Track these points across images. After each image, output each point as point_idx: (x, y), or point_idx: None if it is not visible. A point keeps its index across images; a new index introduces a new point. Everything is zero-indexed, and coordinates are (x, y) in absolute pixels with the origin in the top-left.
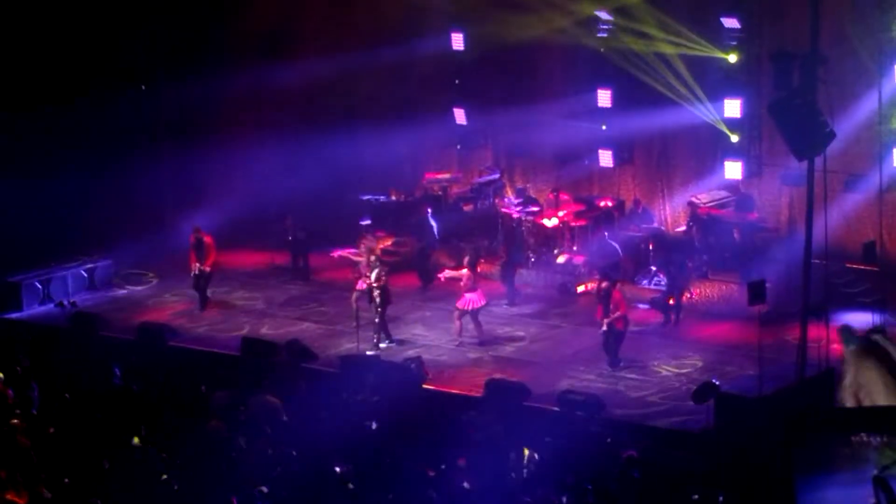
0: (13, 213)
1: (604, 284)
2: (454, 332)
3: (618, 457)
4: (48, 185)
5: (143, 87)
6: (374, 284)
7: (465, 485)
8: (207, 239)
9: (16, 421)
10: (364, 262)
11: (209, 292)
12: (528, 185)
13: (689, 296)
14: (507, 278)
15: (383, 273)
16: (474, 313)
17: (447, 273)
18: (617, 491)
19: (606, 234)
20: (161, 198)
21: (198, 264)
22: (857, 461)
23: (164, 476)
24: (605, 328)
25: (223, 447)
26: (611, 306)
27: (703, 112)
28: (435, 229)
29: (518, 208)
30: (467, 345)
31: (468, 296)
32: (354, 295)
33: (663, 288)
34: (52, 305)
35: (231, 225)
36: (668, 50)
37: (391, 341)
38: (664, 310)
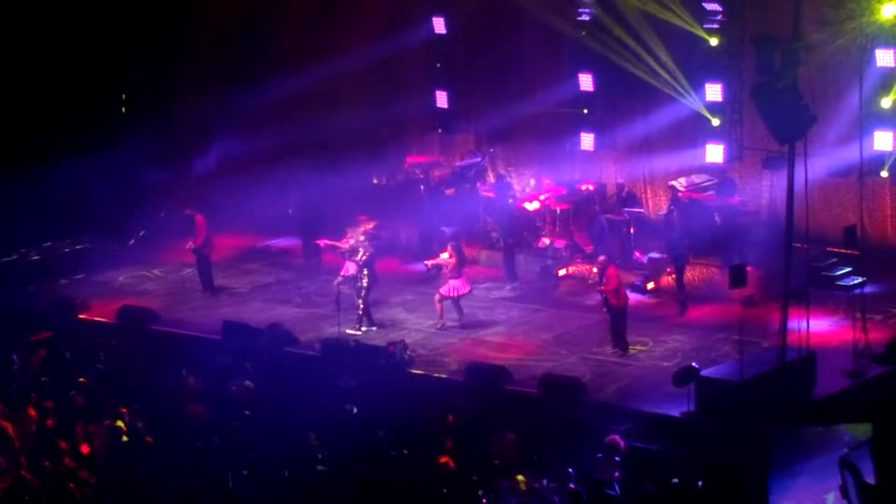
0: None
1: (600, 259)
2: (436, 316)
3: (599, 440)
4: (36, 170)
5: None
6: (361, 260)
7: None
8: (198, 218)
9: None
10: (348, 247)
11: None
12: (510, 169)
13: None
14: (507, 261)
15: (368, 252)
16: (456, 299)
17: (432, 260)
18: (598, 474)
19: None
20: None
21: (189, 244)
22: (830, 440)
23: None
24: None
25: (204, 430)
26: (603, 280)
27: (685, 98)
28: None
29: (497, 192)
30: (449, 329)
31: (452, 282)
32: (338, 279)
33: (644, 272)
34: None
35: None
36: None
37: (373, 325)
38: (680, 301)
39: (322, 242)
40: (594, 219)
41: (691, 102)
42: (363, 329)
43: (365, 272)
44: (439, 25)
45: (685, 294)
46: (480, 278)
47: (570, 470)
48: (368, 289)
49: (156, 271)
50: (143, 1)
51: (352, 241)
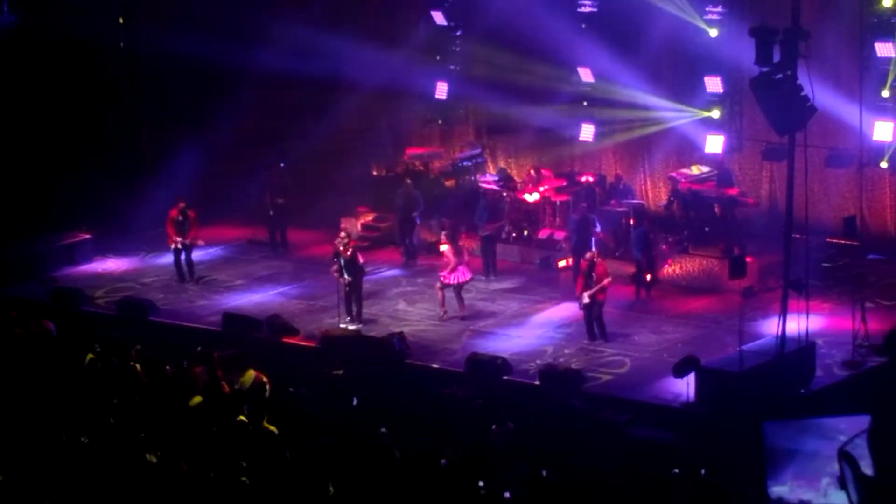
0: None
1: (588, 255)
2: (438, 304)
3: (598, 431)
4: (27, 159)
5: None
6: (346, 258)
7: (443, 461)
8: (192, 213)
9: None
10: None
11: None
12: (510, 161)
13: (655, 269)
14: (486, 252)
15: (350, 250)
16: (458, 288)
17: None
18: (597, 465)
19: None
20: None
21: (180, 238)
22: (826, 429)
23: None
24: (587, 301)
25: (205, 423)
26: (594, 277)
27: (682, 114)
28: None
29: (498, 185)
30: (449, 320)
31: (452, 270)
32: (335, 267)
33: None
34: (33, 281)
35: (209, 198)
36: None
37: (357, 322)
38: (637, 284)
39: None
40: (582, 217)
41: (689, 114)
42: (352, 327)
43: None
44: (439, 18)
45: (652, 284)
46: (478, 269)
47: (568, 461)
48: (358, 286)
49: (144, 255)
50: None
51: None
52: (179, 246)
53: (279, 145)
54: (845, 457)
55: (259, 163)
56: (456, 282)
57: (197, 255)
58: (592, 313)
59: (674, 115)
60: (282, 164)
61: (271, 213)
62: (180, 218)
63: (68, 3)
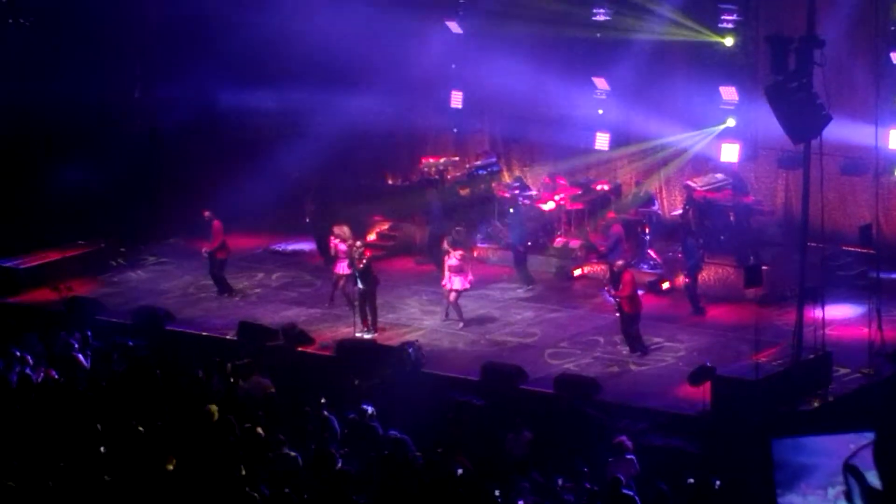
0: (7, 197)
1: (619, 263)
2: (456, 315)
3: (613, 439)
4: (44, 170)
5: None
6: (360, 268)
7: (458, 470)
8: (215, 223)
9: None
10: (345, 249)
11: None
12: (525, 169)
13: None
14: (519, 263)
15: (364, 260)
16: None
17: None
18: (613, 474)
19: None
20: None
21: (205, 249)
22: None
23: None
24: (614, 301)
25: (220, 431)
26: (620, 286)
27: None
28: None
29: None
30: (464, 328)
31: (463, 276)
32: (341, 281)
33: (659, 272)
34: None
35: (236, 208)
36: (665, 36)
37: (372, 331)
38: (692, 301)
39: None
40: (610, 225)
41: (704, 134)
42: (367, 336)
43: (359, 280)
44: (454, 27)
45: (697, 296)
46: (493, 278)
47: (585, 469)
48: (373, 295)
49: (151, 258)
50: None
51: (347, 247)
52: (205, 256)
53: (295, 151)
54: (851, 470)
55: (272, 169)
56: (466, 287)
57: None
58: (622, 326)
59: (690, 137)
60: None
61: (308, 220)
62: (207, 227)
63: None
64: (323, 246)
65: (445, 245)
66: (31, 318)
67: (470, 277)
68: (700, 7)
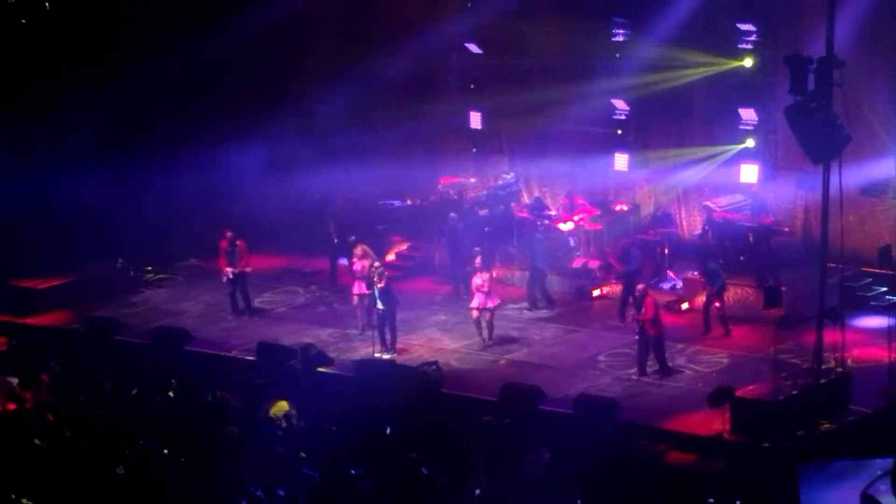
0: (27, 217)
1: (640, 287)
2: (489, 334)
3: (634, 460)
4: (61, 189)
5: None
6: (379, 288)
7: (477, 491)
8: (240, 242)
9: None
10: (363, 267)
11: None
12: (544, 190)
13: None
14: (536, 283)
15: (384, 279)
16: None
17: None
18: (633, 494)
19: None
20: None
21: (230, 269)
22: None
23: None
24: (637, 327)
25: (239, 451)
26: (643, 309)
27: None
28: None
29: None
30: (483, 349)
31: (487, 295)
32: (356, 301)
33: (679, 292)
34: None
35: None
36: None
37: (391, 351)
38: (705, 319)
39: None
40: (629, 246)
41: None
42: (386, 356)
43: (378, 300)
44: (473, 48)
45: (726, 317)
46: (512, 298)
47: (604, 490)
48: (392, 315)
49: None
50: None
51: (365, 268)
52: (231, 276)
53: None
54: (868, 500)
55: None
56: (495, 305)
57: None
58: (643, 349)
59: (709, 152)
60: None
61: (335, 241)
62: (229, 248)
63: None
64: (333, 265)
65: (476, 264)
66: (51, 339)
67: (495, 297)
68: (718, 28)
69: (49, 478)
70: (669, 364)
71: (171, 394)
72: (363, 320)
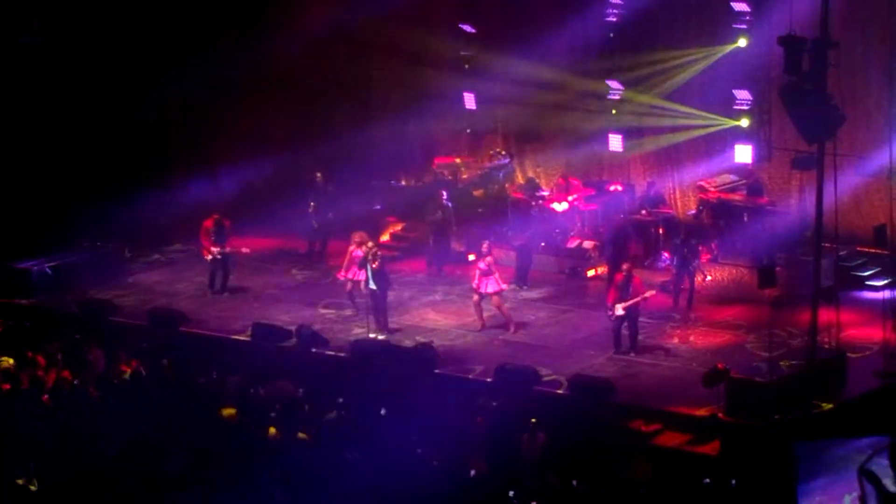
0: (19, 199)
1: (625, 267)
2: (506, 319)
3: (627, 440)
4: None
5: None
6: (374, 269)
7: (472, 472)
8: (227, 223)
9: None
10: (360, 255)
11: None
12: (538, 170)
13: (701, 279)
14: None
15: (379, 260)
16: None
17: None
18: (627, 475)
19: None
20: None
21: (217, 248)
22: (855, 445)
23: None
24: (621, 313)
25: (237, 433)
26: (630, 290)
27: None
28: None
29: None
30: (478, 330)
31: (492, 279)
32: (348, 284)
33: (674, 271)
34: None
35: (244, 208)
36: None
37: (386, 331)
38: (674, 294)
39: (341, 275)
40: (619, 227)
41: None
42: (381, 337)
43: (372, 280)
44: (469, 28)
45: (693, 294)
46: (506, 279)
47: (599, 470)
48: (384, 296)
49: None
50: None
51: (361, 252)
52: (218, 256)
53: (307, 154)
54: (867, 475)
55: (285, 171)
56: (500, 289)
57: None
58: (625, 325)
59: (702, 122)
60: (318, 174)
61: (315, 225)
62: (214, 228)
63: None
64: (321, 244)
65: (484, 249)
66: (46, 320)
67: (500, 280)
68: (713, 8)
69: (46, 460)
70: (663, 345)
71: (166, 374)
72: (357, 304)
